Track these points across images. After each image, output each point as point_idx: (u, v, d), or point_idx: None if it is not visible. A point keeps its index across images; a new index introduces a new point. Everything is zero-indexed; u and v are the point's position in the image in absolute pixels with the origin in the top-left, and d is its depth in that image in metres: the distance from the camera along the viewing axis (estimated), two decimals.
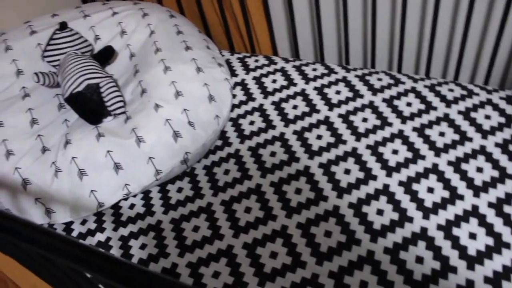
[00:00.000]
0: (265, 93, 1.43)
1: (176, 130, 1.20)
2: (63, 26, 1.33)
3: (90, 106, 1.24)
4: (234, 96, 1.43)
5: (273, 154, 1.25)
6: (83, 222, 1.20)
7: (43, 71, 1.35)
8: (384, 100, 1.34)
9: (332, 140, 1.26)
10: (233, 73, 1.52)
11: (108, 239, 1.16)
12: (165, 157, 1.18)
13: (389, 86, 1.39)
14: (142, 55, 1.40)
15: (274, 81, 1.47)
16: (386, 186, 1.12)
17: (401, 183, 1.12)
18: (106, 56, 1.38)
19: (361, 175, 1.16)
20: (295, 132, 1.30)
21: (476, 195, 1.08)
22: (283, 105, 1.38)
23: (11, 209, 1.19)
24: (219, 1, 1.56)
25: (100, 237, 1.17)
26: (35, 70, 1.39)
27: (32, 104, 1.31)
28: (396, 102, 1.33)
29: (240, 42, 1.67)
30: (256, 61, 1.56)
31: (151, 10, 1.51)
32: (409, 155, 1.18)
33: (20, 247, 0.69)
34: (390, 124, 1.27)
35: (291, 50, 1.74)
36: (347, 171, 1.18)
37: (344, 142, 1.25)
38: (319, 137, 1.28)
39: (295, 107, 1.38)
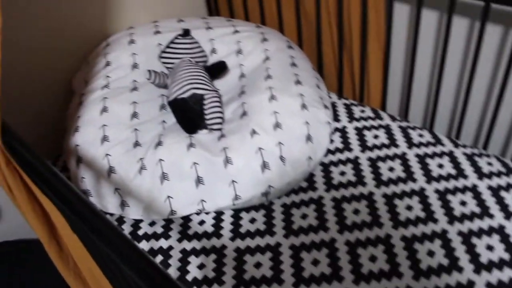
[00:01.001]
0: (364, 147, 1.37)
1: (266, 161, 1.17)
2: (186, 32, 1.37)
3: (190, 115, 1.25)
4: (331, 141, 1.38)
5: (356, 211, 1.18)
6: (152, 224, 1.20)
7: (155, 70, 1.40)
8: (489, 187, 1.22)
9: (422, 215, 1.16)
10: (336, 117, 1.47)
11: (170, 248, 1.14)
12: (248, 184, 1.16)
13: (498, 174, 1.26)
14: (251, 78, 1.40)
15: (376, 136, 1.40)
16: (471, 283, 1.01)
17: None
18: (218, 70, 1.39)
19: (445, 262, 1.06)
20: (384, 196, 1.22)
21: None
22: (380, 164, 1.31)
23: (91, 191, 1.22)
24: (340, 42, 1.53)
25: (163, 243, 1.16)
26: (150, 67, 1.43)
27: (138, 98, 1.35)
28: (503, 193, 1.20)
29: (350, 87, 1.63)
30: (362, 111, 1.51)
31: (271, 36, 1.52)
32: (506, 256, 1.05)
33: (86, 233, 0.69)
34: (491, 216, 1.15)
35: (400, 108, 1.66)
36: (430, 253, 1.08)
37: (435, 221, 1.14)
38: (409, 207, 1.18)
39: (391, 169, 1.30)
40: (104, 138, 1.24)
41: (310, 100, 1.32)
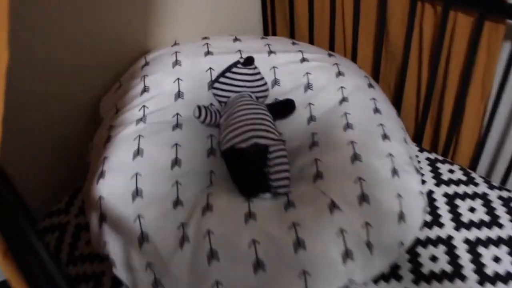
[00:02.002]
0: (458, 223, 1.08)
1: (350, 247, 0.89)
2: (249, 61, 1.08)
3: (249, 172, 0.97)
4: None
5: None
6: None
7: (204, 104, 1.12)
8: None
9: None
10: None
11: None
12: (324, 277, 0.87)
13: None
14: (325, 123, 1.11)
15: (472, 209, 1.11)
16: None
17: None
18: (283, 110, 1.11)
19: None
20: None
21: None
22: (480, 250, 1.02)
23: (116, 261, 0.94)
24: (430, 83, 1.24)
25: None
26: (197, 98, 1.15)
27: (181, 138, 1.07)
28: None
29: (431, 137, 1.34)
30: (451, 171, 1.22)
31: (347, 70, 1.23)
32: None
33: None
34: None
35: (495, 170, 1.36)
36: None
37: None
38: None
39: (496, 259, 1.01)
40: (137, 192, 0.96)
41: (400, 163, 1.03)
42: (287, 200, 0.96)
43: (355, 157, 1.00)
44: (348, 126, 1.07)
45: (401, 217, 0.96)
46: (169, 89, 1.15)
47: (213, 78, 1.17)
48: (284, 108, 1.11)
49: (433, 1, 1.16)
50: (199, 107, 1.05)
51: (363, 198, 0.94)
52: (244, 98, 1.07)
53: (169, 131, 1.07)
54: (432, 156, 1.27)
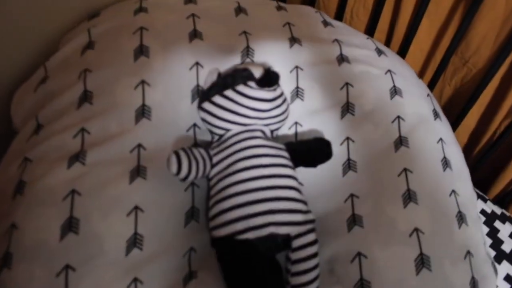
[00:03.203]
0: None
1: None
2: (270, 80, 0.64)
3: (255, 278, 0.58)
4: None
5: None
6: None
7: (184, 128, 0.68)
8: None
9: None
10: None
11: None
12: None
13: None
14: (371, 181, 0.72)
15: None
16: None
17: None
18: (312, 159, 0.70)
19: None
20: None
21: None
22: None
23: None
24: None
25: None
26: (174, 117, 0.71)
27: (143, 196, 0.65)
28: None
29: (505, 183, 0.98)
30: None
31: (405, 83, 0.82)
32: None
33: None
34: None
35: None
36: None
37: None
38: None
39: None
40: None
41: (480, 268, 0.69)
42: None
43: (422, 262, 0.64)
44: (410, 197, 0.69)
45: None
46: (126, 99, 0.69)
47: (201, 85, 0.72)
48: (313, 155, 0.69)
49: None
50: (177, 155, 0.61)
51: None
52: (255, 141, 0.65)
53: (123, 183, 0.64)
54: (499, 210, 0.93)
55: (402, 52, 0.95)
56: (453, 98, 0.97)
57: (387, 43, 0.99)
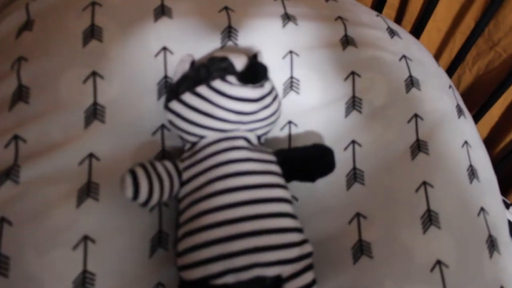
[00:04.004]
0: None
1: None
2: (255, 75, 0.49)
3: None
4: None
5: None
6: None
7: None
8: None
9: None
10: None
11: None
12: None
13: None
14: (381, 196, 0.58)
15: None
16: None
17: None
18: (310, 172, 0.55)
19: None
20: None
21: None
22: None
23: None
24: None
25: None
26: (136, 119, 0.56)
27: (96, 220, 0.51)
28: None
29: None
30: None
31: (423, 71, 0.68)
32: None
33: None
34: None
35: None
36: None
37: None
38: None
39: None
40: None
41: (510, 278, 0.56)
42: None
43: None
44: (430, 219, 0.55)
45: None
46: (73, 96, 0.54)
47: (170, 77, 0.57)
48: (311, 166, 0.55)
49: None
50: (134, 175, 0.46)
51: None
52: (238, 153, 0.50)
53: (69, 206, 0.50)
54: None
55: (416, 32, 0.79)
56: (474, 87, 0.82)
57: (398, 21, 0.84)
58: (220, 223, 0.47)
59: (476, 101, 0.81)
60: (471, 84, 0.83)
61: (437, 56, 0.85)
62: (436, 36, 0.81)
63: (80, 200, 0.51)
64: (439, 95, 0.65)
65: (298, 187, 0.58)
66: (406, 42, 0.69)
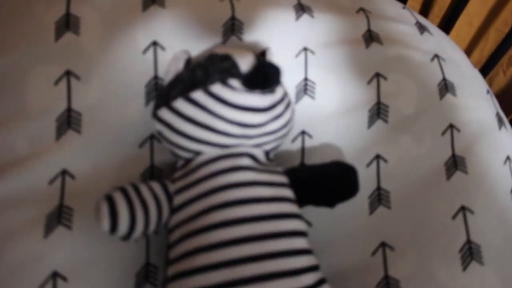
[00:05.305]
0: None
1: None
2: (265, 81, 0.39)
3: None
4: None
5: None
6: None
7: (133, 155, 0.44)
8: None
9: None
10: None
11: None
12: None
13: None
14: (409, 226, 0.49)
15: None
16: None
17: None
18: (330, 194, 0.46)
19: None
20: None
21: None
22: None
23: None
24: None
25: None
26: (120, 129, 0.47)
27: (68, 255, 0.42)
28: None
29: None
30: None
31: (458, 73, 0.58)
32: None
33: None
34: None
35: None
36: None
37: None
38: None
39: None
40: None
41: None
42: None
43: None
44: (471, 253, 0.46)
45: None
46: (42, 101, 0.45)
47: (161, 78, 0.48)
48: (329, 189, 0.45)
49: None
50: (110, 201, 0.37)
51: None
52: (242, 175, 0.41)
53: (35, 237, 0.41)
54: None
55: (446, 27, 0.70)
56: (508, 90, 0.73)
57: (424, 14, 0.74)
58: (218, 264, 0.37)
59: (509, 108, 0.71)
60: (504, 88, 0.74)
61: (466, 55, 0.75)
62: (467, 31, 0.72)
63: (48, 228, 0.42)
64: (478, 102, 0.56)
65: (312, 210, 0.48)
66: (437, 39, 0.60)
